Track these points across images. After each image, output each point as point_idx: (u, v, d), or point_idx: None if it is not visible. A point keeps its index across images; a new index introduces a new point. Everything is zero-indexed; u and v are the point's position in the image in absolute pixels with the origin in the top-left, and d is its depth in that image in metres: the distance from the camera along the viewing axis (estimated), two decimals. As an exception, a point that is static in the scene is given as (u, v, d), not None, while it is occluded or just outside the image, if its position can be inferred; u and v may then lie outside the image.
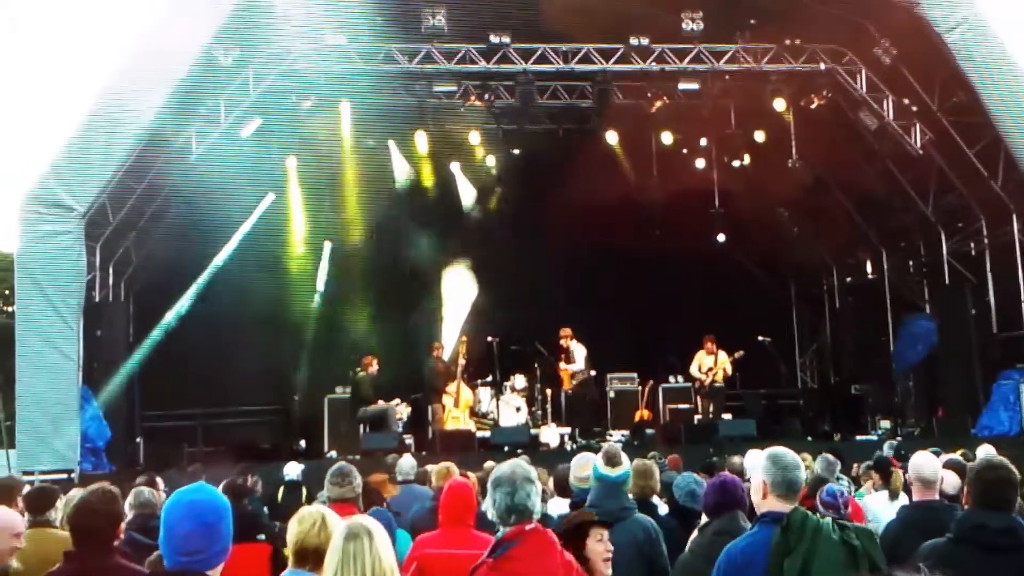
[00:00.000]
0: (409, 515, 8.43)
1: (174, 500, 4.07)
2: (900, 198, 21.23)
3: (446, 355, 20.51)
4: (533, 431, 19.44)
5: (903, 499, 9.01)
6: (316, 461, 16.11)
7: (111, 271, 19.32)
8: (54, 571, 5.08)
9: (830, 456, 9.53)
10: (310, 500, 10.45)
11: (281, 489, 13.17)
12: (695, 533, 6.17)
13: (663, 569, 6.11)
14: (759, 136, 20.99)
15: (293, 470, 13.50)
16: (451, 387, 19.80)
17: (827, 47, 18.48)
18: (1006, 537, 4.82)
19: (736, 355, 20.46)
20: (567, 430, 20.06)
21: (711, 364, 20.54)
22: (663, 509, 7.65)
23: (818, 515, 4.66)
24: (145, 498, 7.64)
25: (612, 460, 6.25)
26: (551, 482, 8.77)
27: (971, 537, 4.84)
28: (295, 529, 5.05)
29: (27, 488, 9.28)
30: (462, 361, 19.93)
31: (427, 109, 20.06)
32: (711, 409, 20.46)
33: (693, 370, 20.86)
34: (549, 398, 21.06)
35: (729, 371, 20.53)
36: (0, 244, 19.71)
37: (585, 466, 7.00)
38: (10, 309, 20.16)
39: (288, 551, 5.10)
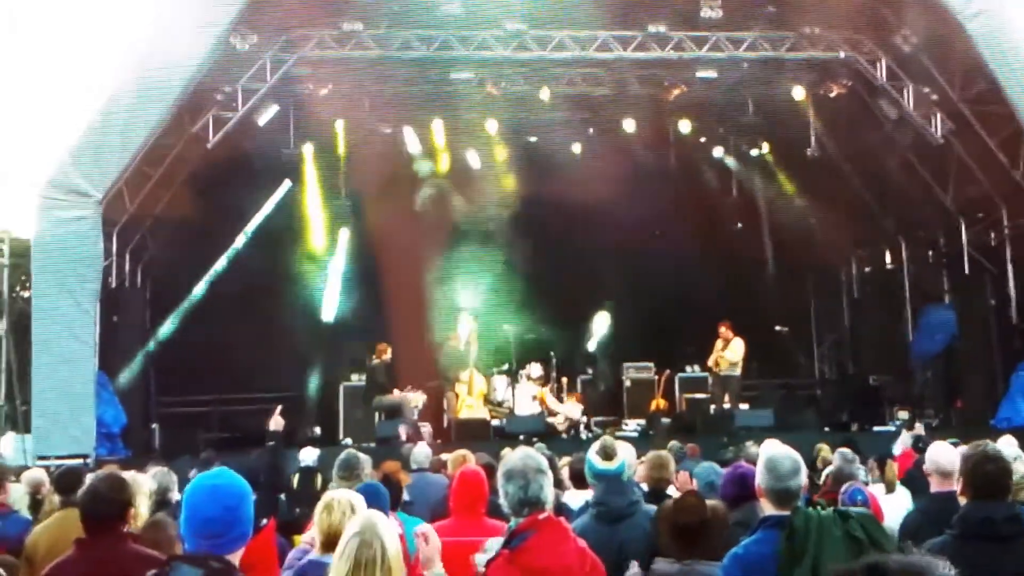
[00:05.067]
0: (427, 504, 8.40)
1: (196, 484, 4.12)
2: (919, 188, 21.10)
3: (460, 344, 20.43)
4: (549, 419, 19.42)
5: (900, 492, 9.07)
6: (331, 448, 16.12)
7: (128, 257, 19.39)
8: (66, 558, 5.07)
9: (848, 451, 9.49)
10: (324, 486, 10.42)
11: (296, 475, 13.15)
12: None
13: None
14: (777, 125, 20.88)
15: (308, 456, 13.46)
16: (464, 375, 19.72)
17: (846, 35, 18.31)
18: (1011, 525, 4.85)
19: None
20: (583, 418, 20.04)
21: (721, 349, 20.36)
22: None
23: (819, 509, 4.62)
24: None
25: (607, 453, 6.05)
26: (567, 472, 8.73)
27: (977, 530, 4.85)
28: (324, 518, 5.30)
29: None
30: (474, 349, 19.84)
31: (444, 96, 20.02)
32: (726, 399, 20.25)
33: (711, 360, 20.74)
34: (565, 386, 21.02)
35: (730, 359, 20.24)
36: (18, 230, 19.78)
37: None
38: (27, 295, 20.19)
39: (316, 537, 5.38)
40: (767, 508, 4.88)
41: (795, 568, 4.42)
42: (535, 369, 20.91)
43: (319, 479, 12.28)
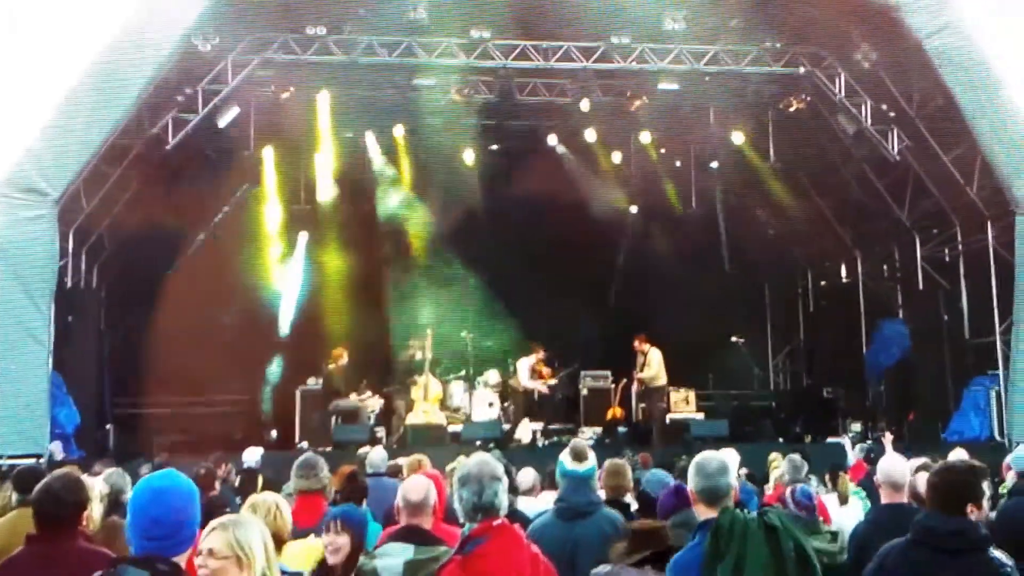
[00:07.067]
0: (382, 508, 8.37)
1: (142, 486, 4.10)
2: (876, 203, 21.31)
3: (415, 350, 20.35)
4: (505, 426, 19.44)
5: (853, 504, 9.24)
6: (287, 452, 16.07)
7: (84, 257, 19.20)
8: (16, 554, 5.04)
9: (797, 457, 9.64)
10: (266, 486, 10.37)
11: (239, 476, 13.03)
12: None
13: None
14: (737, 137, 21.02)
15: (251, 456, 13.36)
16: (419, 380, 19.63)
17: (807, 50, 18.44)
18: (956, 539, 4.97)
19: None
20: (539, 426, 20.04)
21: (641, 363, 20.25)
22: (635, 507, 7.67)
23: (745, 512, 4.74)
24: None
25: (579, 456, 6.33)
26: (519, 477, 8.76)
27: (924, 539, 5.02)
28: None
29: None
30: (429, 355, 19.75)
31: (406, 102, 19.99)
32: (652, 412, 20.06)
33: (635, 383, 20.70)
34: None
35: (648, 376, 19.95)
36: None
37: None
38: (-19, 293, 19.95)
39: None
40: (701, 512, 5.05)
41: (718, 565, 4.55)
42: (492, 376, 20.96)
43: (260, 480, 12.22)
